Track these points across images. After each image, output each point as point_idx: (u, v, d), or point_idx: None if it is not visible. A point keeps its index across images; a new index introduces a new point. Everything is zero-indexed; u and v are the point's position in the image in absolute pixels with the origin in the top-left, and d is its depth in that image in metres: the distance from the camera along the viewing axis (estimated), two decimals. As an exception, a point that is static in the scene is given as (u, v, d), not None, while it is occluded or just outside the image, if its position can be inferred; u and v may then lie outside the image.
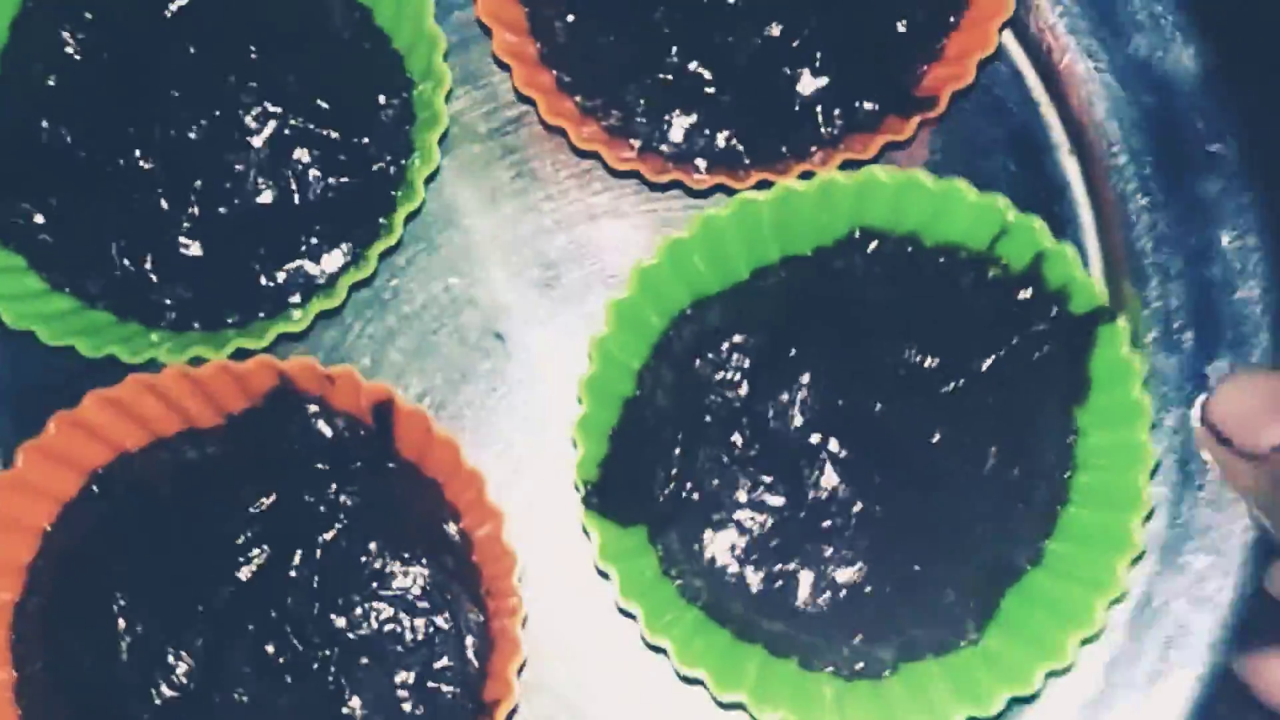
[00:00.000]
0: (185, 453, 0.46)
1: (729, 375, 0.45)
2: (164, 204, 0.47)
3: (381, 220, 0.48)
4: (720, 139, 0.48)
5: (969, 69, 0.47)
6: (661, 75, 0.48)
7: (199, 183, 0.47)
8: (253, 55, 0.47)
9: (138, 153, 0.47)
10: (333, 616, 0.44)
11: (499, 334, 0.50)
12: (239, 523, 0.45)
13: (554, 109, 0.47)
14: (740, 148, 0.48)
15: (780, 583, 0.44)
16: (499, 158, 0.51)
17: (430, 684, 0.44)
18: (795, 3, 0.48)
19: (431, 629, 0.44)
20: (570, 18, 0.48)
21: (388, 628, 0.44)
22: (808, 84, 0.48)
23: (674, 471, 0.44)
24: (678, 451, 0.44)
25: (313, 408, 0.46)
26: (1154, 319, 0.48)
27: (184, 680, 0.44)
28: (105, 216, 0.47)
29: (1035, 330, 0.44)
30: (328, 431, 0.46)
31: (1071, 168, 0.50)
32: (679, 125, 0.48)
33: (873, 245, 0.45)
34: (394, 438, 0.46)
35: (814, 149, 0.47)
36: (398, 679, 0.44)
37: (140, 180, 0.47)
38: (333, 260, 0.48)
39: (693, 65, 0.48)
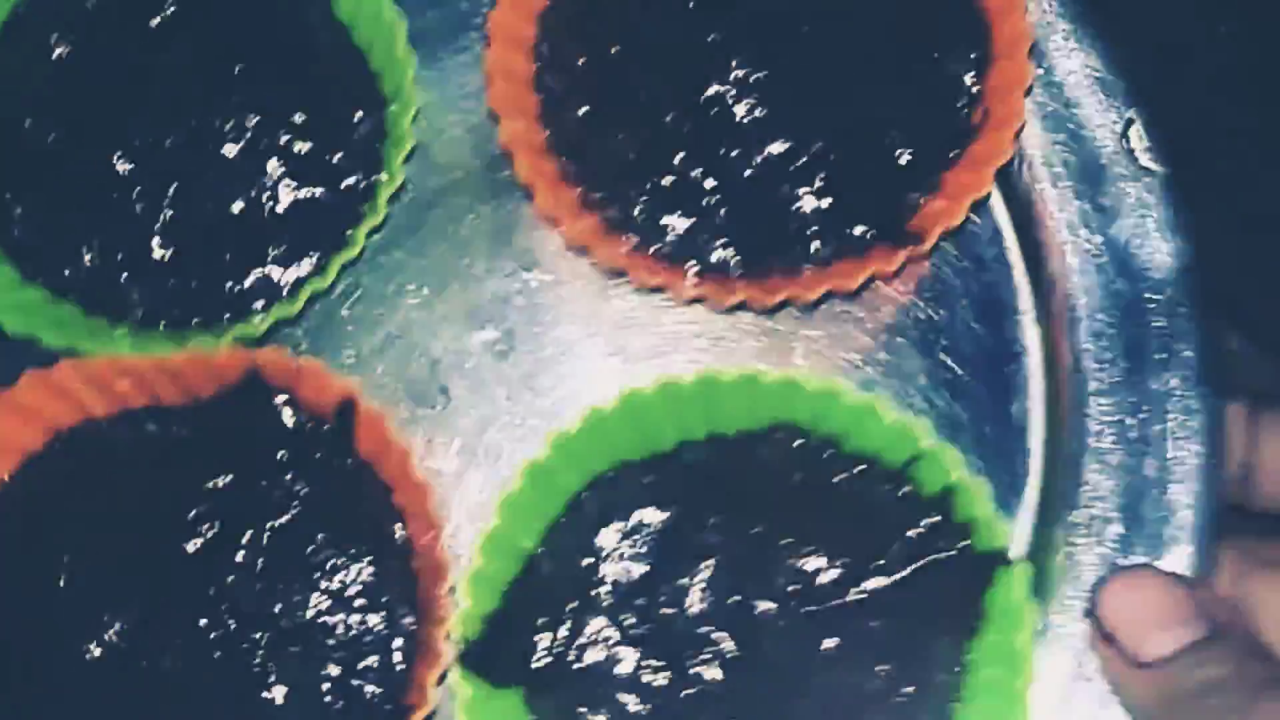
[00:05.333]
0: (150, 426, 0.47)
1: (633, 549, 0.45)
2: (138, 206, 0.48)
3: (348, 233, 0.48)
4: (714, 247, 0.48)
5: (961, 209, 0.47)
6: (665, 178, 0.48)
7: (173, 187, 0.48)
8: (233, 67, 0.48)
9: (117, 154, 0.48)
10: (270, 601, 0.45)
11: (444, 388, 0.50)
12: (194, 497, 0.45)
13: (551, 200, 0.48)
14: (731, 259, 0.48)
15: (651, 767, 0.43)
16: (485, 200, 0.51)
17: (354, 681, 0.44)
18: (802, 124, 0.48)
19: (363, 627, 0.45)
20: (584, 110, 0.48)
21: (322, 620, 0.45)
22: (805, 203, 0.48)
23: (560, 638, 0.44)
24: (568, 618, 0.44)
25: (280, 398, 0.46)
26: (1081, 504, 0.48)
27: (115, 640, 0.44)
28: (81, 213, 0.48)
29: (938, 558, 0.45)
30: (291, 422, 0.46)
31: (1032, 335, 0.51)
32: (675, 228, 0.48)
33: (796, 442, 0.46)
34: (354, 436, 0.46)
35: (804, 268, 0.48)
36: (323, 671, 0.44)
37: (118, 181, 0.48)
38: (298, 270, 0.48)
39: (696, 172, 0.48)
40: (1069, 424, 0.49)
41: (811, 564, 0.45)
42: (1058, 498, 0.49)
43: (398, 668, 0.44)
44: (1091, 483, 0.48)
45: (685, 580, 0.44)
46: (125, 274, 0.47)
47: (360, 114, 0.49)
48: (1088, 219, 0.50)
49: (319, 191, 0.49)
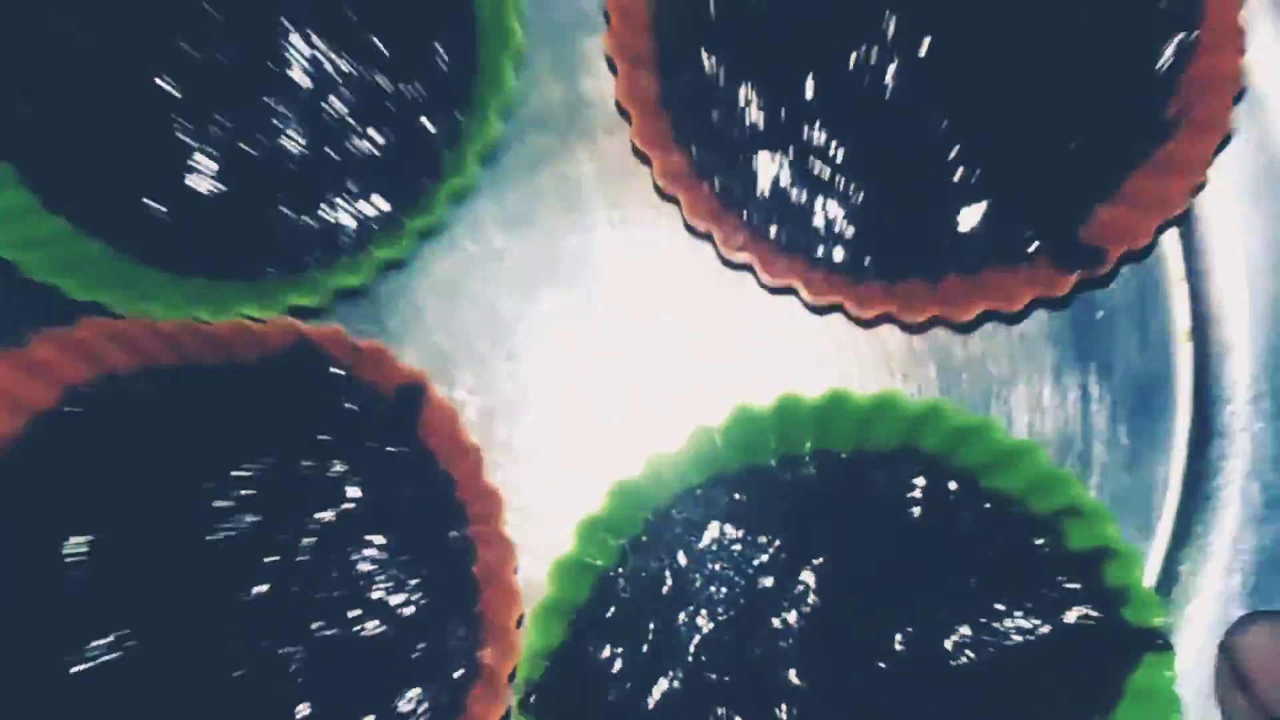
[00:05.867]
0: (177, 385, 0.40)
1: (716, 585, 0.39)
2: (188, 139, 0.41)
3: (426, 183, 0.41)
4: (843, 235, 0.41)
5: (1147, 228, 0.40)
6: (793, 150, 0.41)
7: (228, 121, 0.41)
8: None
9: (165, 80, 0.41)
10: (309, 616, 0.39)
11: (510, 355, 0.44)
12: (222, 480, 0.39)
13: (669, 169, 0.41)
14: (865, 254, 0.41)
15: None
16: (579, 154, 0.44)
17: (400, 712, 0.39)
18: (967, 102, 0.41)
19: (415, 653, 0.39)
20: (709, 58, 0.41)
21: (366, 638, 0.39)
22: (956, 193, 0.41)
23: (628, 676, 0.39)
24: (639, 662, 0.39)
25: (335, 374, 0.40)
26: (1205, 545, 0.44)
27: (126, 643, 0.38)
28: (123, 151, 0.41)
29: (1076, 625, 0.39)
30: (351, 405, 0.40)
31: (1185, 360, 0.45)
32: (801, 211, 0.41)
33: (918, 469, 0.40)
34: (416, 425, 0.40)
35: (947, 273, 0.41)
36: (363, 701, 0.39)
37: (165, 112, 0.41)
38: (368, 209, 0.42)
39: (833, 144, 0.41)
40: (1208, 461, 0.44)
41: (923, 611, 0.39)
42: (1191, 536, 0.44)
43: (452, 701, 0.39)
44: (1216, 527, 0.44)
45: (775, 621, 0.39)
46: (169, 217, 0.41)
47: (447, 40, 0.41)
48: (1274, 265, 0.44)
49: (398, 131, 0.42)
